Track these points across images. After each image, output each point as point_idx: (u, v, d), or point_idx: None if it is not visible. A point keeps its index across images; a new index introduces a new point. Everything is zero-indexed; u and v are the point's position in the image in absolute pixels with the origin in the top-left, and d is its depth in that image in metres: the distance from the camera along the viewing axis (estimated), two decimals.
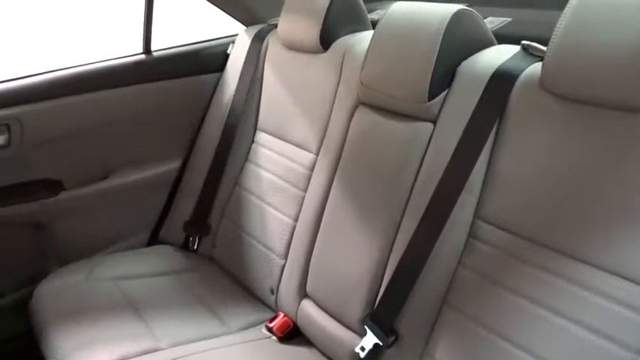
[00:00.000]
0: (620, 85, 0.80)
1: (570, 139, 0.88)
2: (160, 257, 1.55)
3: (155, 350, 1.16)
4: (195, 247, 1.56)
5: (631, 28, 0.79)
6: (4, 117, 1.35)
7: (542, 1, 1.14)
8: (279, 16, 1.46)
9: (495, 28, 1.29)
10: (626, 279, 0.79)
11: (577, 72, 0.85)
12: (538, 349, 0.85)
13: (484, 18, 1.13)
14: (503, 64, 0.98)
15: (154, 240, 1.67)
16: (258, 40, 1.57)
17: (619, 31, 0.81)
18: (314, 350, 1.23)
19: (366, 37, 1.22)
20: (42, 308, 1.29)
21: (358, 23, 1.37)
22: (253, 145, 1.52)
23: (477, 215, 0.98)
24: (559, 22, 0.87)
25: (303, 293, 1.26)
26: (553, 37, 0.87)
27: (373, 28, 1.18)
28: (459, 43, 1.05)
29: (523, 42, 1.00)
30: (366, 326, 1.05)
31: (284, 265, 1.32)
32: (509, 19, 1.31)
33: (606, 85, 0.82)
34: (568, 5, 0.88)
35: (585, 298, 0.83)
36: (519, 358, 0.87)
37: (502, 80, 0.96)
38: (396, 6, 1.15)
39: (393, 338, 1.02)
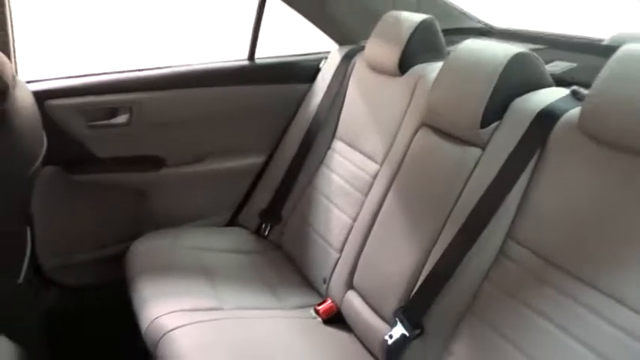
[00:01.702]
0: None
1: (600, 179, 0.97)
2: (235, 237, 1.77)
3: (219, 309, 1.37)
4: (266, 233, 1.76)
5: None
6: (128, 100, 1.64)
7: (605, 50, 1.23)
8: (368, 39, 1.64)
9: (558, 71, 1.38)
10: None
11: (610, 119, 0.95)
12: None
13: (551, 61, 1.24)
14: (551, 104, 1.10)
15: (232, 222, 1.90)
16: (347, 58, 1.76)
17: None
18: (352, 335, 1.39)
19: (438, 66, 1.37)
20: (135, 261, 1.54)
21: (436, 53, 1.52)
22: (329, 151, 1.70)
23: (508, 235, 1.09)
24: (602, 71, 0.98)
25: (350, 284, 1.42)
26: (594, 83, 0.98)
27: None
28: (514, 81, 1.17)
29: (573, 87, 1.11)
30: (397, 318, 1.20)
31: (338, 259, 1.48)
32: (574, 65, 1.40)
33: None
34: (613, 56, 0.98)
35: (600, 327, 0.90)
36: None
37: (546, 118, 1.08)
38: (467, 42, 1.30)
39: (418, 331, 1.15)
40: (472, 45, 1.27)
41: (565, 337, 0.94)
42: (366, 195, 1.47)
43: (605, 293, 0.92)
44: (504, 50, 1.18)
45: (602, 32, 1.61)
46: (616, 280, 0.91)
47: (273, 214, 1.75)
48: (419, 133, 1.36)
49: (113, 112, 1.64)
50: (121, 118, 1.65)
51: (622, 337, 0.88)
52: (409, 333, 1.16)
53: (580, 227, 0.98)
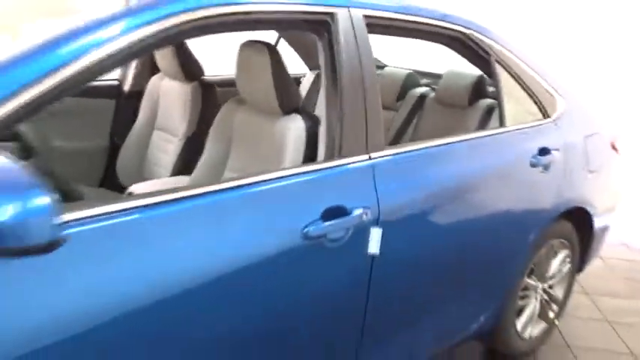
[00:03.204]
0: None
1: (442, 119, 2.65)
2: None
3: None
4: None
5: None
6: None
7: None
8: None
9: (426, 82, 3.10)
10: None
11: (444, 96, 2.64)
12: None
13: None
14: (425, 91, 2.79)
15: None
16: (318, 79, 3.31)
17: None
18: None
19: None
20: None
21: None
22: None
23: None
24: (441, 80, 2.67)
25: None
26: (438, 86, 2.67)
27: None
28: (410, 82, 2.86)
29: (432, 87, 2.80)
30: None
31: None
32: (431, 80, 3.15)
33: None
34: (444, 74, 2.67)
35: None
36: None
37: (423, 97, 2.76)
38: (387, 68, 2.95)
39: None
40: (390, 69, 2.93)
41: None
42: None
43: None
44: (405, 71, 2.85)
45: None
46: None
47: None
48: None
49: None
50: None
51: None
52: None
53: None
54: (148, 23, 1.11)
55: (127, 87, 2.51)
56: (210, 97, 2.33)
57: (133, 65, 2.50)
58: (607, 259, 3.38)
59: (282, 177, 1.30)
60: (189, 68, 2.29)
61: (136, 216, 1.05)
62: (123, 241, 1.02)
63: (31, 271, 0.90)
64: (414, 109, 2.78)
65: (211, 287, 1.13)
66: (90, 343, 0.98)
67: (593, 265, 2.85)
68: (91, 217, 0.99)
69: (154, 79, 2.45)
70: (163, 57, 2.31)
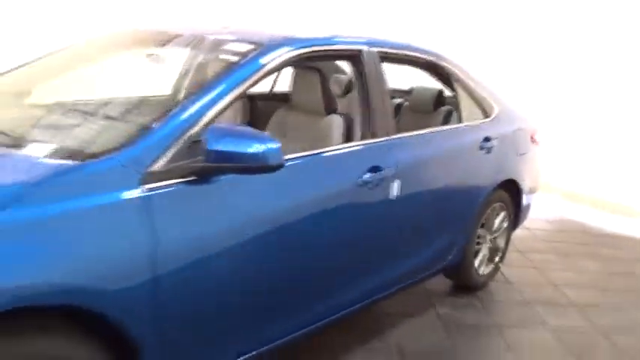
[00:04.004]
0: None
1: None
2: None
3: None
4: None
5: None
6: None
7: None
8: None
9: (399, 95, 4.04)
10: None
11: None
12: None
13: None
14: None
15: None
16: None
17: None
18: None
19: None
20: None
21: None
22: None
23: None
24: (413, 92, 3.61)
25: None
26: (411, 96, 3.61)
27: None
28: None
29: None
30: None
31: None
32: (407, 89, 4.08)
33: None
34: (413, 90, 3.62)
35: None
36: None
37: None
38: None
39: None
40: None
41: None
42: None
43: None
44: None
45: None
46: None
47: None
48: None
49: None
50: None
51: None
52: None
53: None
54: (288, 51, 1.99)
55: None
56: (254, 108, 3.16)
57: None
58: (532, 229, 4.44)
59: (346, 147, 2.19)
60: None
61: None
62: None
63: (257, 184, 1.73)
64: (394, 114, 3.69)
65: (311, 217, 1.96)
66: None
67: (522, 233, 3.90)
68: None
69: None
70: None
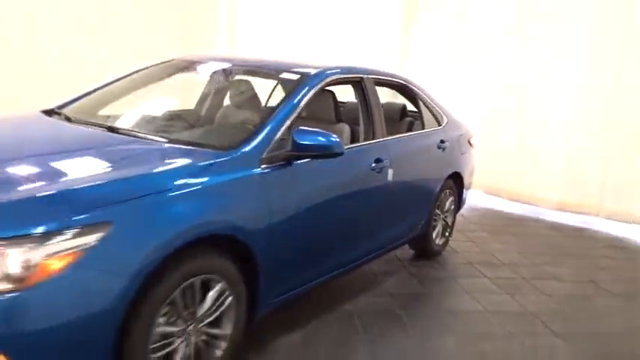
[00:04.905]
0: None
1: None
2: None
3: None
4: None
5: None
6: None
7: None
8: None
9: None
10: None
11: None
12: None
13: None
14: None
15: None
16: None
17: None
18: None
19: None
20: None
21: None
22: None
23: None
24: None
25: None
26: None
27: None
28: None
29: None
30: None
31: None
32: None
33: None
34: None
35: None
36: None
37: None
38: None
39: None
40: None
41: None
42: None
43: None
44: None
45: None
46: None
47: None
48: None
49: None
50: None
51: None
52: None
53: None
54: (324, 79, 2.93)
55: None
56: None
57: None
58: (466, 216, 5.61)
59: (363, 145, 3.16)
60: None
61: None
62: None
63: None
64: None
65: (349, 187, 2.93)
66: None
67: (460, 219, 5.02)
68: None
69: None
70: None
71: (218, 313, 2.22)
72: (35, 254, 1.64)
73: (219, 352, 2.26)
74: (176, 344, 2.07)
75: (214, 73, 3.54)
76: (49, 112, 2.94)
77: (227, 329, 2.27)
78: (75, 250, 1.70)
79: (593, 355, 3.03)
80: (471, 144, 4.61)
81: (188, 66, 3.45)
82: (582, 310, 3.64)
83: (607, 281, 4.17)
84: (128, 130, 2.62)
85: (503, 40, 6.57)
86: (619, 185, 5.94)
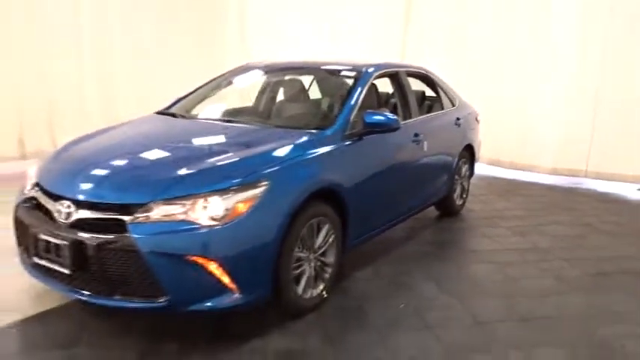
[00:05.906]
0: None
1: None
2: None
3: None
4: None
5: None
6: None
7: None
8: None
9: None
10: None
11: None
12: None
13: None
14: None
15: None
16: None
17: None
18: None
19: None
20: None
21: None
22: None
23: None
24: None
25: None
26: None
27: None
28: None
29: None
30: None
31: None
32: None
33: None
34: None
35: None
36: None
37: None
38: None
39: None
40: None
41: None
42: None
43: None
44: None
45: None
46: None
47: None
48: None
49: None
50: None
51: None
52: None
53: None
54: (373, 73, 3.83)
55: None
56: None
57: None
58: (475, 184, 6.54)
59: (407, 123, 4.06)
60: None
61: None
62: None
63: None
64: None
65: (402, 156, 3.85)
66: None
67: (471, 185, 5.96)
68: None
69: None
70: None
71: (326, 246, 3.11)
72: (230, 201, 2.53)
73: (327, 275, 3.16)
74: (304, 266, 2.96)
75: (275, 74, 4.44)
76: (161, 113, 3.83)
77: (331, 258, 3.17)
78: (251, 198, 2.58)
79: (590, 272, 3.96)
80: (477, 121, 5.53)
81: (258, 69, 4.33)
82: (580, 244, 4.58)
83: (597, 224, 5.13)
84: (237, 120, 3.53)
85: (496, 18, 7.48)
86: (604, 149, 6.86)
